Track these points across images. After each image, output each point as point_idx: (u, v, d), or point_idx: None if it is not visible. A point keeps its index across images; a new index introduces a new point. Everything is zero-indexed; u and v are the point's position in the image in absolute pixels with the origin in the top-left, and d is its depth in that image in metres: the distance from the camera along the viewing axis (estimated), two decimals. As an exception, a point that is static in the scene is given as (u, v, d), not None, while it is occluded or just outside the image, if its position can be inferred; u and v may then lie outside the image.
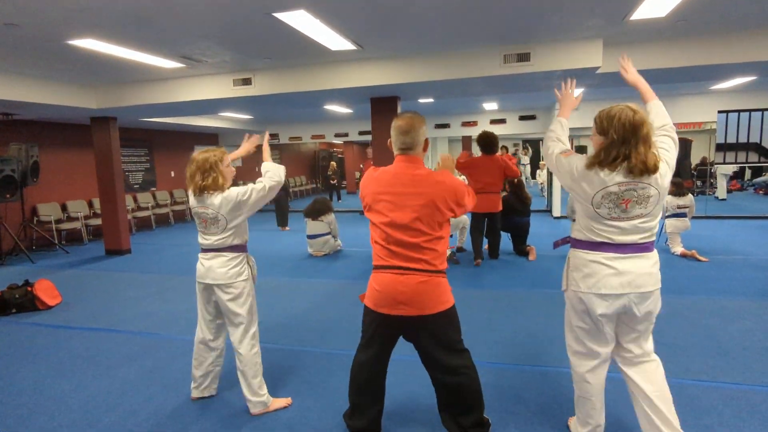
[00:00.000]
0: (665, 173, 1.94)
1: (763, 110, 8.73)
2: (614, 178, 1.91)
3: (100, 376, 3.22)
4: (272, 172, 2.71)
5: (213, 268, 2.58)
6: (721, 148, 8.99)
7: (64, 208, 8.86)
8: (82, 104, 6.33)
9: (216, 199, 2.52)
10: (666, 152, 1.99)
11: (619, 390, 2.63)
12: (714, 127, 9.26)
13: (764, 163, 9.59)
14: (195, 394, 2.83)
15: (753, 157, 8.96)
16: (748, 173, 14.77)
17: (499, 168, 5.97)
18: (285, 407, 2.73)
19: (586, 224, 2.04)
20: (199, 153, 2.57)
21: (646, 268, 1.97)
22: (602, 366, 2.15)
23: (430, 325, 2.08)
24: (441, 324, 2.10)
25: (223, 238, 2.58)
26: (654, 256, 2.01)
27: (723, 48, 4.67)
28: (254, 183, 2.63)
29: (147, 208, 10.47)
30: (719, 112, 8.89)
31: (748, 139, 8.87)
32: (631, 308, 1.98)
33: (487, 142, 6.11)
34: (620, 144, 1.88)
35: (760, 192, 13.04)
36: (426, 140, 2.16)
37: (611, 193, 1.92)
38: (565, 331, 2.22)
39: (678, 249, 6.21)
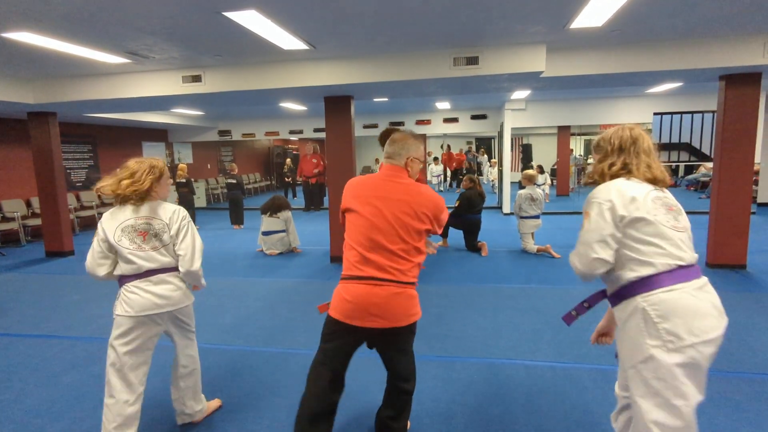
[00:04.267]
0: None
1: (693, 113, 9.40)
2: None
3: (44, 385, 3.11)
4: None
5: (166, 293, 2.29)
6: (656, 147, 9.61)
7: (-2, 207, 8.35)
8: (17, 99, 6.00)
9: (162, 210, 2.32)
10: None
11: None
12: (650, 127, 9.87)
13: (695, 162, 10.33)
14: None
15: (684, 156, 9.64)
16: (681, 171, 15.78)
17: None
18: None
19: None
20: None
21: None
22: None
23: (399, 336, 2.08)
24: (407, 334, 2.11)
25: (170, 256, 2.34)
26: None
27: (652, 57, 5.02)
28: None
29: (91, 207, 10.02)
30: (654, 113, 9.50)
31: (680, 139, 9.53)
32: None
33: (384, 139, 4.95)
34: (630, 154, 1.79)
35: (691, 189, 13.99)
36: (411, 159, 2.14)
37: (657, 198, 1.71)
38: None
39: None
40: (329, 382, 2.06)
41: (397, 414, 2.21)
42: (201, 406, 2.61)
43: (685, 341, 1.53)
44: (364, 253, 2.00)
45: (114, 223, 2.26)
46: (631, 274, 1.64)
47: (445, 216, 2.14)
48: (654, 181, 1.74)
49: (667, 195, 1.75)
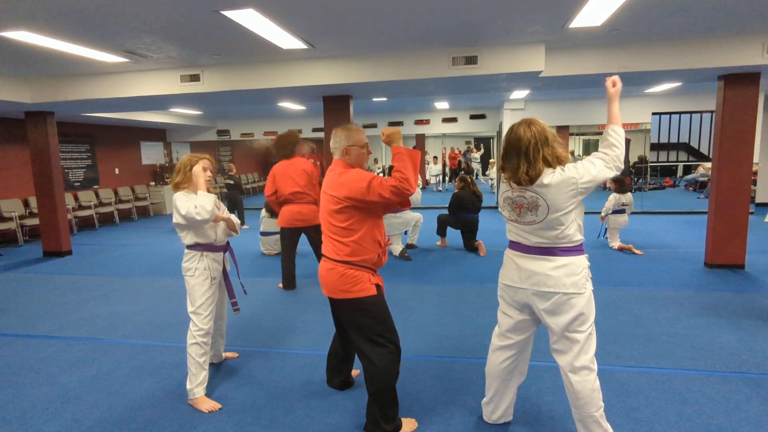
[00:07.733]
0: (556, 186, 1.99)
1: (691, 113, 9.40)
2: (509, 185, 2.15)
3: (40, 385, 3.09)
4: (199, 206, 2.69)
5: None
6: (655, 147, 9.62)
7: (-5, 207, 8.32)
8: (14, 98, 5.97)
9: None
10: (578, 168, 2.03)
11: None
12: (649, 127, 9.88)
13: (693, 162, 10.34)
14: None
15: (683, 156, 9.64)
16: (680, 171, 15.80)
17: (302, 173, 4.82)
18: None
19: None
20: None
21: (546, 270, 2.07)
22: (500, 350, 2.36)
23: (342, 309, 2.38)
24: (348, 310, 2.34)
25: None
26: (560, 260, 2.06)
27: (651, 56, 5.02)
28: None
29: (89, 207, 9.99)
30: (653, 113, 9.50)
31: (678, 139, 9.54)
32: (531, 304, 2.16)
33: (280, 143, 4.97)
34: (505, 155, 2.12)
35: (690, 189, 14.00)
36: (346, 149, 2.35)
37: (508, 198, 2.17)
38: None
39: (615, 243, 6.61)
40: (338, 336, 2.76)
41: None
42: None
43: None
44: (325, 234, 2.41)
45: None
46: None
47: (359, 184, 2.20)
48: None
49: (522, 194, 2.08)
